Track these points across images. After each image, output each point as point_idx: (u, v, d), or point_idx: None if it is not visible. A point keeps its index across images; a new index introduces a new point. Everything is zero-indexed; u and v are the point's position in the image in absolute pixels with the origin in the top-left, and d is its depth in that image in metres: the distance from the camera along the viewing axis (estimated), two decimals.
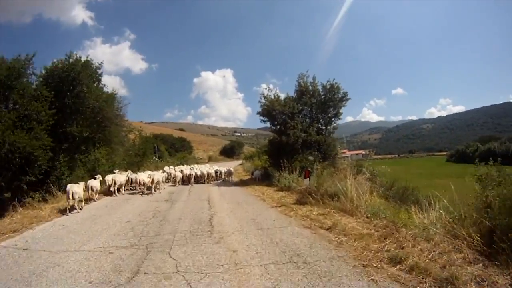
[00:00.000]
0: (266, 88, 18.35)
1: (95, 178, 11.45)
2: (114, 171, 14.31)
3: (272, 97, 17.87)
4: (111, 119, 17.32)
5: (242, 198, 11.40)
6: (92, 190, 10.62)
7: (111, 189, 12.38)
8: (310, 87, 18.16)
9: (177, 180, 16.71)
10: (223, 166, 22.59)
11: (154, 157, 26.84)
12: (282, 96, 18.15)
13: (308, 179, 9.88)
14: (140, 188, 14.12)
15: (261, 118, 18.25)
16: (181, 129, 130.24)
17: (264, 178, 17.71)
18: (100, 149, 15.24)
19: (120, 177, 13.75)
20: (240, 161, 52.29)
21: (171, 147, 53.48)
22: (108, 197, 12.08)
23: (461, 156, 59.49)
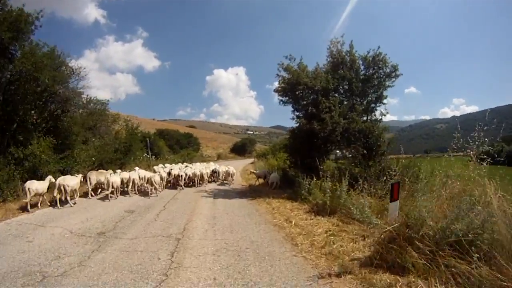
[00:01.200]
0: (287, 57, 12.73)
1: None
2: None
3: (296, 67, 12.39)
4: (66, 98, 12.45)
5: (250, 232, 6.00)
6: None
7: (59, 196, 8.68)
8: (347, 58, 12.58)
9: (156, 184, 11.53)
10: (227, 166, 17.57)
11: (145, 154, 21.94)
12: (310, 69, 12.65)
13: (395, 203, 4.41)
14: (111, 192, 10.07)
15: (280, 98, 12.82)
16: (192, 126, 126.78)
17: (283, 185, 12.49)
18: (41, 141, 10.33)
19: (71, 179, 9.18)
20: (251, 159, 47.27)
21: (176, 143, 48.84)
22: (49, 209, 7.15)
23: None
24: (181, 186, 13.51)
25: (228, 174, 16.12)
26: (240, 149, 67.74)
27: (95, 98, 19.49)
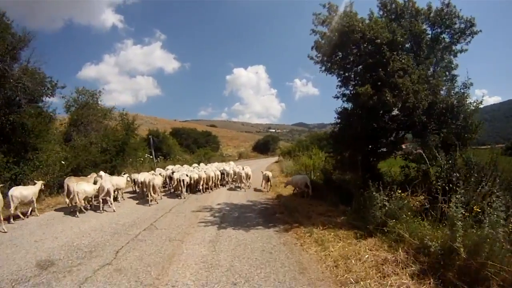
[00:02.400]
0: (325, 5, 7.96)
1: None
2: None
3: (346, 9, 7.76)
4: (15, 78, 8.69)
5: None
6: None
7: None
8: (410, 8, 7.87)
9: (156, 189, 7.66)
10: (245, 166, 13.33)
11: (147, 155, 18.12)
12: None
13: None
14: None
15: (317, 59, 8.22)
16: (213, 126, 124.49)
17: (326, 193, 8.01)
18: None
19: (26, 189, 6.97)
20: (275, 158, 42.66)
21: (194, 142, 45.34)
22: None
23: None
24: (183, 193, 10.13)
25: (240, 176, 12.03)
26: (263, 147, 63.25)
27: (82, 88, 15.96)
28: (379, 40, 7.12)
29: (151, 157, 18.31)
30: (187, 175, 10.58)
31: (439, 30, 8.01)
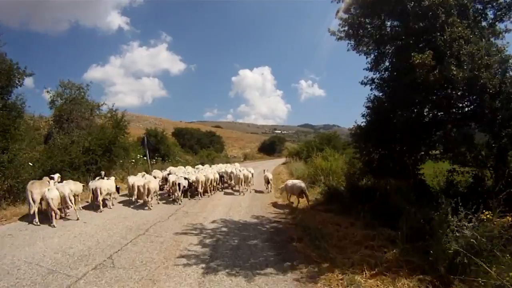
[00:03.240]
0: None
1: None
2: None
3: None
4: None
5: None
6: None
7: None
8: None
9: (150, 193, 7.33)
10: (246, 168, 11.89)
11: (139, 155, 16.26)
12: None
13: None
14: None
15: (341, 33, 6.32)
16: (218, 126, 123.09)
17: (349, 207, 6.01)
18: None
19: None
20: (282, 159, 40.62)
21: (197, 143, 43.60)
22: None
23: None
24: (179, 199, 8.74)
25: (238, 179, 10.66)
26: (269, 148, 61.27)
27: (68, 81, 14.22)
28: (427, 2, 5.12)
29: (145, 158, 16.43)
30: (185, 178, 8.84)
31: (480, 5, 5.98)
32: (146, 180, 8.25)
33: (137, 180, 8.58)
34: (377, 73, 7.16)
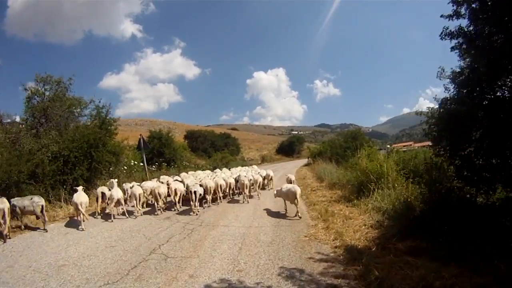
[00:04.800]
0: None
1: None
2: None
3: None
4: None
5: None
6: None
7: None
8: None
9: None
10: (264, 170, 11.26)
11: (133, 161, 13.58)
12: None
13: None
14: None
15: None
16: (234, 129, 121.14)
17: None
18: None
19: None
20: (303, 161, 37.16)
21: (211, 146, 40.99)
22: None
23: None
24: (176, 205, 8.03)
25: (242, 185, 8.82)
26: (288, 149, 57.82)
27: (47, 75, 11.69)
28: None
29: (142, 164, 13.71)
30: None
31: None
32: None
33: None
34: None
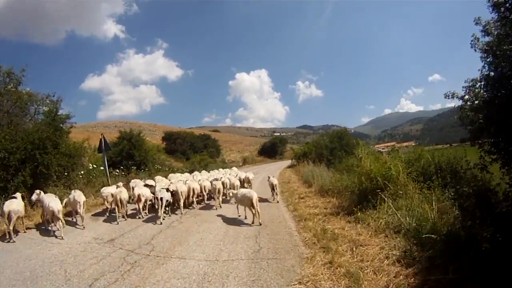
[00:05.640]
0: None
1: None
2: None
3: None
4: None
5: None
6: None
7: None
8: None
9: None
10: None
11: (92, 165, 11.32)
12: None
13: None
14: None
15: None
16: (216, 131, 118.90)
17: None
18: None
19: None
20: (286, 162, 35.68)
21: (190, 148, 38.57)
22: None
23: None
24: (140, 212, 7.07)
25: (215, 190, 8.05)
26: (270, 151, 56.28)
27: None
28: None
29: (99, 168, 11.42)
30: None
31: None
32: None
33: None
34: None
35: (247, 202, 6.01)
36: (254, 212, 5.91)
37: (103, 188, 7.99)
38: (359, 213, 5.43)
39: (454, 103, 4.04)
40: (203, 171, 13.66)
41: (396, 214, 4.59)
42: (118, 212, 6.91)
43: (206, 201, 8.52)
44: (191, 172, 16.00)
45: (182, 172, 14.91)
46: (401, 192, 5.56)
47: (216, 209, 7.76)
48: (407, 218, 4.31)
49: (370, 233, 4.50)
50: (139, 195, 7.03)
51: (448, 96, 4.16)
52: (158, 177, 10.29)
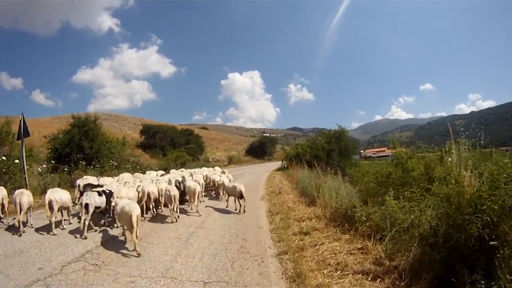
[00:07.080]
0: None
1: None
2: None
3: None
4: None
5: None
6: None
7: None
8: None
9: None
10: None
11: (4, 158, 7.92)
12: None
13: None
14: None
15: None
16: (204, 128, 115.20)
17: None
18: None
19: None
20: (275, 164, 32.67)
21: (171, 143, 35.00)
22: None
23: None
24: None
25: (192, 192, 6.78)
26: (258, 151, 53.29)
27: None
28: None
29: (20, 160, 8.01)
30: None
31: None
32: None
33: None
34: None
35: (126, 218, 4.34)
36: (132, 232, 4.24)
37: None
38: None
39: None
40: (172, 170, 12.18)
41: None
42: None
43: (162, 209, 6.78)
44: (164, 169, 14.64)
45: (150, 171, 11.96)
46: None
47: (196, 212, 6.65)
48: None
49: None
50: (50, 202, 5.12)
51: None
52: (137, 174, 9.78)
